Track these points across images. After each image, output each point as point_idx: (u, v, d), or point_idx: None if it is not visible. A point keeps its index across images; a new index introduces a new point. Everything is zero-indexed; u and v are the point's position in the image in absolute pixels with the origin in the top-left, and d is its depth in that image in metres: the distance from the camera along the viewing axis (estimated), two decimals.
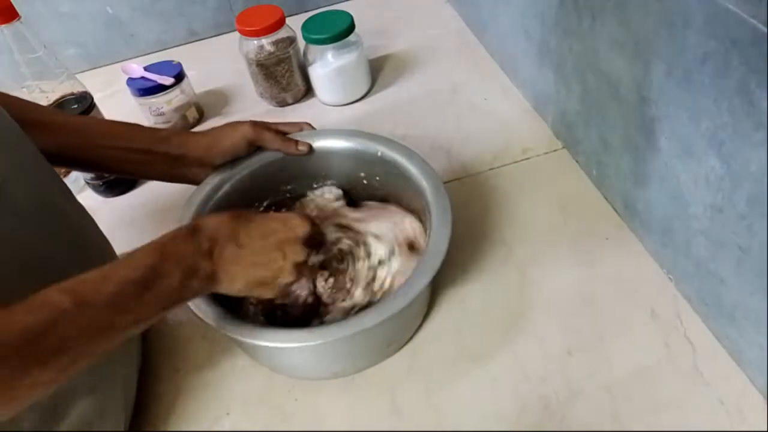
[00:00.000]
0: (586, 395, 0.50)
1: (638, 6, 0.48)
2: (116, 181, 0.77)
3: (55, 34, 0.97)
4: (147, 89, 0.80)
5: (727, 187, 0.44)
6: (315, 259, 0.56)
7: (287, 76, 0.84)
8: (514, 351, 0.54)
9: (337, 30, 0.78)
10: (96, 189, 0.78)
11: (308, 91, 0.88)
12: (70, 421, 0.44)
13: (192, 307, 0.49)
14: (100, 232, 0.57)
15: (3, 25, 0.66)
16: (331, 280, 0.57)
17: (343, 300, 0.56)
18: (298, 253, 0.48)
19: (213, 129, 0.62)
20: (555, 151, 0.72)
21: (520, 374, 0.52)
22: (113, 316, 0.39)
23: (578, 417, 0.49)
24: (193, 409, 0.54)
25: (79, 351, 0.37)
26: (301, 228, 0.49)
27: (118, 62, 1.01)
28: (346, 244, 0.59)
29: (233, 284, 0.46)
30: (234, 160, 0.61)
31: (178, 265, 0.43)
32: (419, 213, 0.59)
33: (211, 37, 1.06)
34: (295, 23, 0.84)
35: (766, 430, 0.46)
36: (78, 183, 0.79)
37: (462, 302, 0.58)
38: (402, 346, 0.55)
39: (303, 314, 0.57)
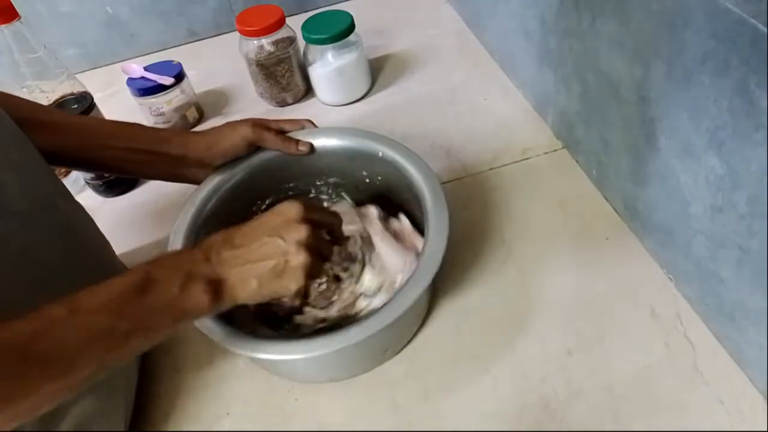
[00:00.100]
0: (586, 395, 0.50)
1: (638, 6, 0.48)
2: (116, 181, 0.77)
3: (55, 34, 0.97)
4: (147, 89, 0.80)
5: (727, 187, 0.44)
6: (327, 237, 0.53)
7: (287, 76, 0.84)
8: (514, 351, 0.54)
9: (337, 30, 0.78)
10: (96, 189, 0.78)
11: (308, 91, 0.88)
12: (70, 421, 0.44)
13: None
14: (99, 232, 0.57)
15: (3, 25, 0.66)
16: (323, 286, 0.57)
17: (322, 308, 0.56)
18: (297, 231, 0.46)
19: (213, 129, 0.61)
20: (555, 151, 0.72)
21: (520, 374, 0.52)
22: (111, 321, 0.38)
23: (578, 417, 0.49)
24: (193, 409, 0.54)
25: (80, 357, 0.37)
26: (292, 209, 0.47)
27: (118, 62, 1.01)
28: (356, 254, 0.58)
29: (247, 286, 0.44)
30: (234, 159, 0.61)
31: (174, 271, 0.42)
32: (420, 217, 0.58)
33: (211, 37, 1.06)
34: (295, 23, 0.84)
35: (766, 430, 0.46)
36: (78, 183, 0.79)
37: (462, 302, 0.58)
38: (399, 350, 0.55)
39: (291, 312, 0.57)
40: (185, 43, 1.05)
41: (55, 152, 0.54)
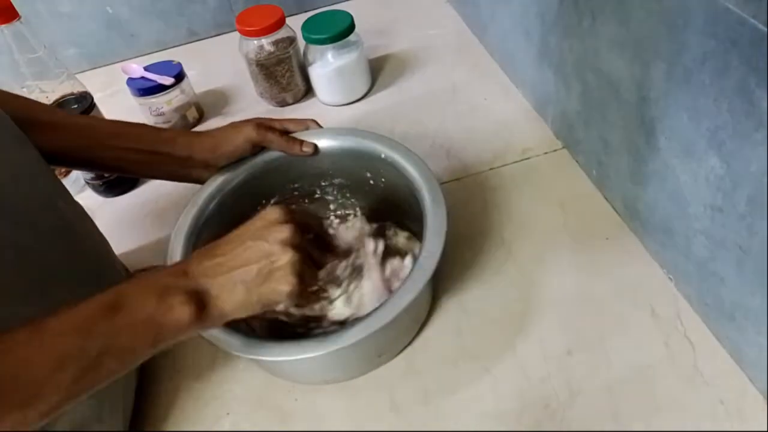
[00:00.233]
0: (586, 395, 0.50)
1: (638, 6, 0.48)
2: (116, 181, 0.77)
3: (55, 34, 0.97)
4: (147, 89, 0.80)
5: (727, 187, 0.44)
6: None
7: (287, 76, 0.84)
8: (514, 351, 0.54)
9: (337, 30, 0.78)
10: (96, 189, 0.78)
11: (308, 91, 0.88)
12: (66, 422, 0.44)
13: None
14: (99, 232, 0.57)
15: (3, 25, 0.66)
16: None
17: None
18: (279, 231, 0.43)
19: (217, 130, 0.61)
20: (555, 151, 0.72)
21: (520, 374, 0.52)
22: (79, 343, 0.36)
23: (578, 417, 0.49)
24: (193, 409, 0.54)
25: (47, 383, 0.34)
26: (273, 212, 0.45)
27: (118, 62, 1.01)
28: (341, 280, 0.58)
29: (233, 295, 0.42)
30: (238, 160, 0.61)
31: (148, 287, 0.40)
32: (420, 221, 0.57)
33: (211, 37, 1.06)
34: (295, 23, 0.84)
35: (766, 430, 0.46)
36: (78, 183, 0.79)
37: (462, 302, 0.58)
38: (396, 354, 0.55)
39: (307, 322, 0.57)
40: (185, 43, 1.05)
41: (58, 152, 0.54)
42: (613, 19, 0.53)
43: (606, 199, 0.65)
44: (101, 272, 0.53)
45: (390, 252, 0.59)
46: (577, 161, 0.70)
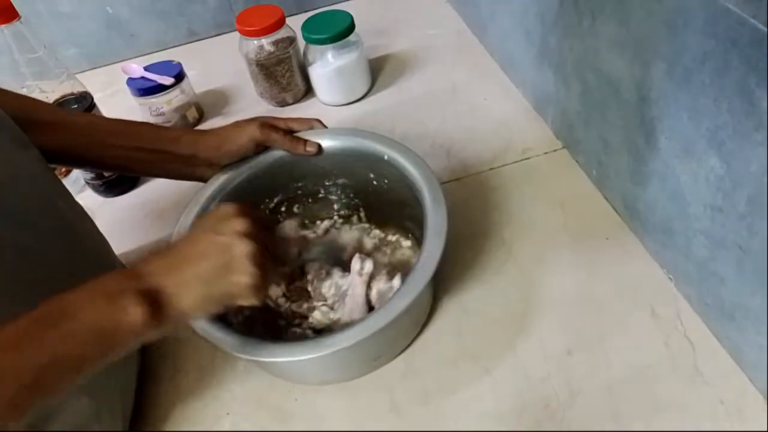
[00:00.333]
0: (586, 395, 0.50)
1: (638, 6, 0.48)
2: (116, 181, 0.77)
3: (55, 34, 0.97)
4: (147, 89, 0.80)
5: (727, 187, 0.44)
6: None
7: (287, 76, 0.84)
8: (514, 351, 0.54)
9: (337, 30, 0.78)
10: (96, 189, 0.78)
11: (308, 91, 0.88)
12: (62, 422, 0.44)
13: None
14: (99, 232, 0.57)
15: (3, 25, 0.66)
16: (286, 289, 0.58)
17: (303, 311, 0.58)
18: (235, 223, 0.42)
19: (221, 128, 0.61)
20: (555, 151, 0.72)
21: (521, 374, 0.52)
22: (17, 359, 0.34)
23: (578, 417, 0.49)
24: (193, 409, 0.54)
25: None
26: (225, 207, 0.44)
27: (118, 62, 1.01)
28: (324, 294, 0.58)
29: (191, 291, 0.40)
30: (242, 159, 0.61)
31: (95, 292, 0.38)
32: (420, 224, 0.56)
33: (211, 37, 1.06)
34: (295, 23, 0.84)
35: (766, 430, 0.46)
36: (78, 183, 0.79)
37: (462, 302, 0.58)
38: (395, 357, 0.55)
39: (273, 315, 0.58)
40: (185, 43, 1.05)
41: (60, 151, 0.54)
42: (613, 19, 0.53)
43: (606, 199, 0.65)
44: (101, 272, 0.53)
45: (380, 269, 0.58)
46: (577, 161, 0.70)
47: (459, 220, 0.63)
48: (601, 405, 0.49)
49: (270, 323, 0.58)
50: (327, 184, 0.65)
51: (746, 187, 0.42)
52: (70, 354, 0.36)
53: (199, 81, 0.90)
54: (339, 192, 0.66)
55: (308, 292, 0.59)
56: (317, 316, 0.57)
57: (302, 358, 0.46)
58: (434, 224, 0.51)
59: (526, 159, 0.72)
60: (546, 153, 0.72)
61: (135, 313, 0.38)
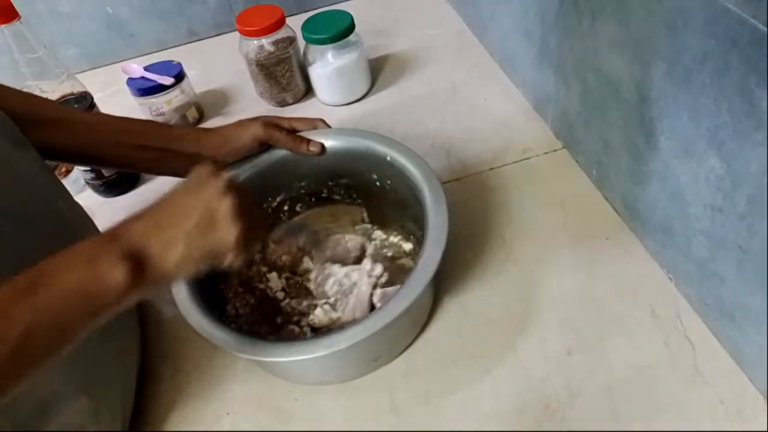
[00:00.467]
0: (586, 395, 0.50)
1: (638, 6, 0.48)
2: (116, 181, 0.77)
3: (55, 34, 0.97)
4: (147, 89, 0.80)
5: (727, 187, 0.44)
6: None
7: (287, 76, 0.84)
8: (515, 351, 0.54)
9: (337, 30, 0.78)
10: (96, 189, 0.78)
11: (308, 91, 0.88)
12: (61, 422, 0.43)
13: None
14: (99, 232, 0.57)
15: (3, 25, 0.66)
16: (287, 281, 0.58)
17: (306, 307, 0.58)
18: (214, 181, 0.42)
19: (224, 127, 0.61)
20: (555, 151, 0.72)
21: (521, 374, 0.52)
22: (9, 319, 0.33)
23: (578, 417, 0.49)
24: (193, 409, 0.54)
25: None
26: (204, 168, 0.43)
27: (118, 62, 1.01)
28: (328, 292, 0.58)
29: (173, 250, 0.39)
30: (245, 157, 0.61)
31: (72, 257, 0.37)
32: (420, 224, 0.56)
33: (211, 37, 1.06)
34: (295, 23, 0.84)
35: (766, 430, 0.46)
36: (78, 183, 0.79)
37: (462, 302, 0.58)
38: (395, 357, 0.55)
39: (272, 310, 0.58)
40: (185, 43, 1.05)
41: (65, 149, 0.54)
42: (613, 19, 0.53)
43: (606, 199, 0.65)
44: None
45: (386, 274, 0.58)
46: (577, 161, 0.70)
47: (459, 220, 0.63)
48: (601, 405, 0.49)
49: (269, 320, 0.58)
50: (330, 184, 0.65)
51: (746, 187, 0.42)
52: (52, 319, 0.35)
53: (199, 81, 0.90)
54: (342, 192, 0.66)
55: (308, 289, 0.59)
56: (318, 314, 0.57)
57: (302, 357, 0.46)
58: (435, 226, 0.51)
59: (526, 159, 0.72)
60: (546, 153, 0.72)
61: (117, 273, 0.36)
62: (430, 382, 0.53)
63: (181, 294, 0.50)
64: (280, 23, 0.80)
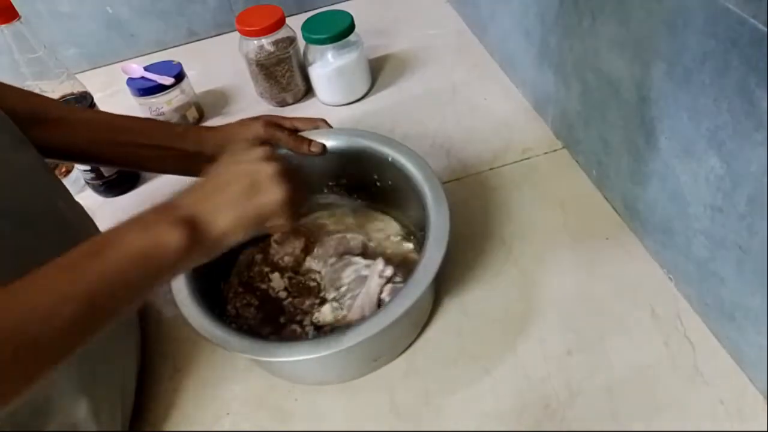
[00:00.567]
0: (586, 395, 0.50)
1: (638, 6, 0.48)
2: (116, 180, 0.77)
3: (55, 34, 0.97)
4: (147, 89, 0.80)
5: (727, 187, 0.44)
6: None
7: (287, 76, 0.84)
8: (515, 351, 0.54)
9: (337, 30, 0.78)
10: (96, 189, 0.78)
11: (308, 91, 0.88)
12: (61, 422, 0.43)
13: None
14: (99, 232, 0.57)
15: (3, 25, 0.66)
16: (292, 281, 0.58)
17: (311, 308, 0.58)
18: (255, 151, 0.46)
19: (226, 126, 0.61)
20: (555, 151, 0.72)
21: (521, 374, 0.52)
22: (71, 284, 0.35)
23: (578, 417, 0.49)
24: (193, 409, 0.54)
25: (49, 321, 0.33)
26: (243, 143, 0.48)
27: (118, 62, 1.01)
28: (341, 284, 0.58)
29: (225, 214, 0.42)
30: None
31: (132, 224, 0.39)
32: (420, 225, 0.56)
33: (211, 37, 1.06)
34: (295, 23, 0.84)
35: (766, 430, 0.46)
36: (78, 183, 0.79)
37: (462, 303, 0.58)
38: (395, 357, 0.55)
39: (275, 310, 0.58)
40: (185, 43, 1.05)
41: (67, 148, 0.54)
42: (613, 19, 0.53)
43: (606, 199, 0.65)
44: None
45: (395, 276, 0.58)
46: (577, 161, 0.70)
47: (459, 220, 0.63)
48: (601, 405, 0.49)
49: (272, 320, 0.58)
50: (330, 184, 0.65)
51: (746, 187, 0.42)
52: (118, 279, 0.37)
53: (199, 81, 0.90)
54: (343, 192, 0.66)
55: (310, 288, 0.59)
56: (325, 311, 0.56)
57: (302, 358, 0.46)
58: (436, 227, 0.51)
59: (526, 159, 0.72)
60: (546, 153, 0.72)
61: (173, 236, 0.39)
62: (430, 382, 0.53)
63: (182, 294, 0.50)
64: (280, 23, 0.80)
